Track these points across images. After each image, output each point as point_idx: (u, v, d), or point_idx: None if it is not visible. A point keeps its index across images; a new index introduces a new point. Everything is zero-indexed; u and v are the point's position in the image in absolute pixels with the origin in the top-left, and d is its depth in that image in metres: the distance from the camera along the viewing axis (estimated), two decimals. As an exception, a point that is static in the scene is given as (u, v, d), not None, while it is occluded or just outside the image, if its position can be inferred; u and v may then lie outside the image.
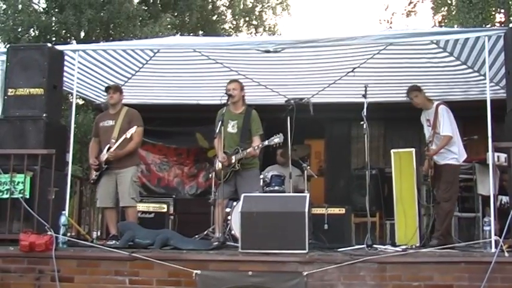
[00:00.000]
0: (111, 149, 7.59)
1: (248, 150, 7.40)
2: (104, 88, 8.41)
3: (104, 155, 7.66)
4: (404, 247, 6.93)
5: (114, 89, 7.97)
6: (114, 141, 7.62)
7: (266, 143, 7.47)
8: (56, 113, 7.53)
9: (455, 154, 7.50)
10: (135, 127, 7.60)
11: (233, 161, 7.40)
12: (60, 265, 6.28)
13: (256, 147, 7.43)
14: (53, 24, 18.85)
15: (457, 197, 7.88)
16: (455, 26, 19.54)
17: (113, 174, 7.72)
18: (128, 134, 7.54)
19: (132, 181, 7.71)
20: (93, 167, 7.83)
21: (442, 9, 22.95)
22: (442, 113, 7.50)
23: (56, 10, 18.94)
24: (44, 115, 7.13)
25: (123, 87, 9.18)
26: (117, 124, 7.76)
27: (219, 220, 7.49)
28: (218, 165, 7.55)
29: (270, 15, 28.68)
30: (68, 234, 7.10)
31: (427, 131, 7.75)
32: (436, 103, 7.67)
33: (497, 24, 19.39)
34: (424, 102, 7.71)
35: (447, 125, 7.43)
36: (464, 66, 8.62)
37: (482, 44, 6.95)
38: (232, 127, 7.56)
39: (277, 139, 7.43)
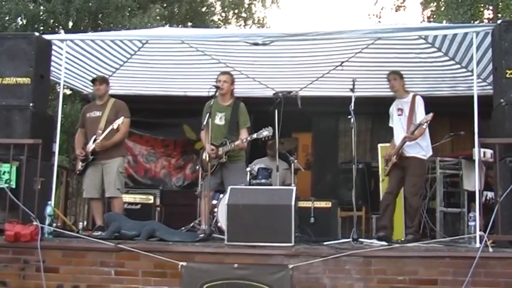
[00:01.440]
0: (98, 140, 7.57)
1: (236, 142, 7.41)
2: (91, 78, 8.38)
3: (91, 146, 7.65)
4: (391, 241, 6.96)
5: (100, 81, 7.95)
6: (100, 132, 7.61)
7: (255, 135, 7.48)
8: (43, 103, 7.50)
9: (423, 149, 7.46)
10: (122, 118, 7.58)
11: (220, 153, 7.40)
12: (46, 255, 6.27)
13: (244, 140, 7.44)
14: (41, 13, 18.69)
15: (422, 192, 7.90)
16: (444, 21, 19.62)
17: (99, 165, 7.72)
18: (115, 125, 7.52)
19: (118, 172, 7.70)
20: (79, 158, 7.81)
21: (431, 4, 23.04)
22: (418, 104, 7.48)
23: (44, -1, 18.82)
24: (31, 105, 7.08)
25: (111, 77, 9.17)
26: (104, 115, 7.75)
27: (205, 212, 7.50)
28: (204, 155, 7.54)
29: (259, 7, 28.67)
30: (54, 224, 7.08)
31: (397, 120, 7.66)
32: (412, 93, 7.65)
33: (486, 21, 19.49)
34: (400, 89, 7.67)
35: (423, 114, 7.42)
36: (452, 62, 8.66)
37: (470, 40, 6.99)
38: (219, 119, 7.56)
39: (266, 132, 7.44)
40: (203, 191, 7.55)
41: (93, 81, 8.00)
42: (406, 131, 7.43)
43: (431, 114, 7.07)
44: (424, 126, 7.18)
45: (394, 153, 7.47)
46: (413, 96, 7.57)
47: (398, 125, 7.66)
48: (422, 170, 7.57)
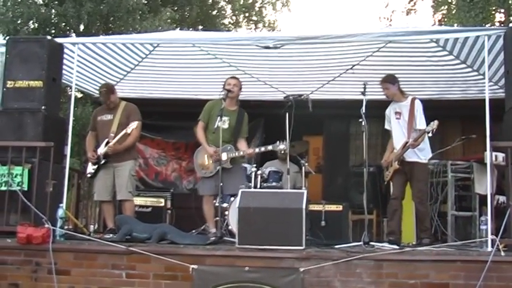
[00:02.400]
0: (110, 144, 7.59)
1: (249, 151, 7.45)
2: (102, 81, 8.40)
3: (103, 149, 7.66)
4: (401, 245, 6.95)
5: (107, 92, 7.88)
6: (113, 135, 7.63)
7: (270, 147, 7.51)
8: (55, 106, 7.53)
9: (423, 153, 7.44)
10: (136, 122, 7.59)
11: (224, 158, 7.37)
12: (57, 258, 6.29)
13: (257, 150, 7.46)
14: (53, 16, 18.75)
15: (429, 195, 7.92)
16: (455, 24, 19.56)
17: (111, 168, 7.73)
18: (129, 130, 7.54)
19: (130, 175, 7.72)
20: (91, 161, 7.83)
21: (442, 7, 22.97)
22: (418, 108, 7.43)
23: (56, 2, 18.83)
24: (43, 108, 7.12)
25: (122, 80, 9.23)
26: (115, 118, 7.76)
27: (210, 216, 7.50)
28: (206, 159, 7.52)
29: (269, 10, 28.71)
30: (65, 227, 7.10)
31: (395, 124, 7.61)
32: (410, 97, 7.59)
33: (497, 24, 19.40)
34: (396, 94, 7.60)
35: (423, 118, 7.39)
36: (463, 65, 8.63)
37: (482, 43, 6.96)
38: (223, 122, 7.53)
39: (282, 146, 7.45)
40: (205, 195, 7.55)
41: (100, 94, 7.99)
42: (406, 135, 7.41)
43: (436, 122, 7.04)
44: (430, 135, 7.17)
45: (396, 159, 7.45)
46: (412, 100, 7.51)
47: (397, 128, 7.61)
48: (425, 174, 7.58)
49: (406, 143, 7.34)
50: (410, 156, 7.39)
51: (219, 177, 7.20)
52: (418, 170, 7.40)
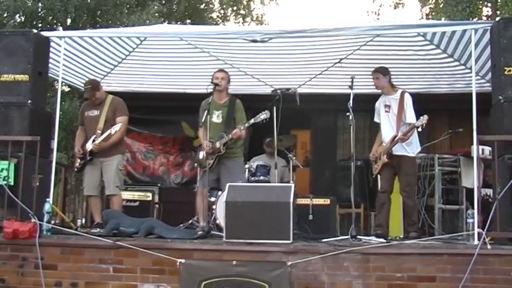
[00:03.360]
0: (96, 142, 7.54)
1: (234, 131, 7.40)
2: (89, 75, 8.33)
3: (89, 146, 7.62)
4: (388, 238, 6.97)
5: (92, 89, 7.83)
6: (99, 132, 7.58)
7: (252, 121, 7.51)
8: (41, 100, 7.47)
9: (412, 147, 7.45)
10: (119, 124, 7.53)
11: (218, 146, 7.40)
12: (44, 252, 6.26)
13: (242, 128, 7.43)
14: (39, 10, 18.63)
15: (417, 189, 7.89)
16: (443, 18, 19.59)
17: (98, 163, 7.71)
18: (113, 131, 7.47)
19: (118, 169, 7.69)
20: (77, 156, 7.81)
21: (430, 1, 23.03)
22: (407, 101, 7.44)
23: (43, -4, 18.76)
24: (29, 102, 7.06)
25: (109, 74, 9.19)
26: (102, 114, 7.72)
27: (201, 209, 7.50)
28: (202, 154, 7.55)
29: (257, 4, 28.61)
30: (52, 221, 7.06)
31: (384, 117, 7.62)
32: (400, 90, 7.60)
33: (484, 18, 19.47)
34: (385, 86, 7.63)
35: (413, 112, 7.40)
36: (450, 59, 8.65)
37: (469, 37, 6.97)
38: (217, 117, 7.57)
39: (263, 115, 7.45)
40: (199, 188, 7.57)
41: (85, 91, 7.94)
42: (395, 129, 7.42)
43: (426, 117, 7.05)
44: (419, 130, 7.18)
45: (384, 153, 7.46)
46: (402, 94, 7.52)
47: (386, 122, 7.63)
48: (413, 168, 7.60)
49: (395, 136, 7.35)
50: (398, 150, 7.39)
51: (217, 169, 7.43)
52: (406, 163, 7.41)
